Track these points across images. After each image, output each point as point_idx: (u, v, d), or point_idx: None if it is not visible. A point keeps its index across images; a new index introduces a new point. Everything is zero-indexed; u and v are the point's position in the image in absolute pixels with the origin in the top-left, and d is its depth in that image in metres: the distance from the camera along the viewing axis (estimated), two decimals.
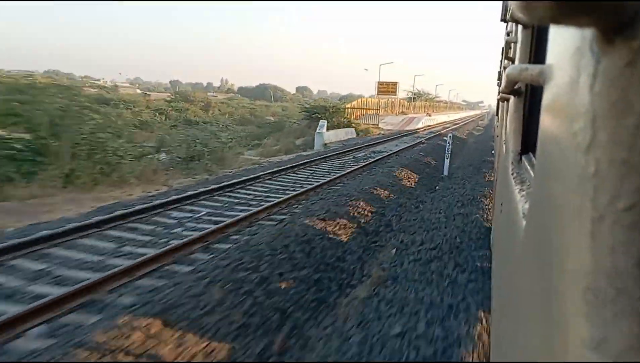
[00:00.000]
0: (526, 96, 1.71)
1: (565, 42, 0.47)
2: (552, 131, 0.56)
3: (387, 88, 43.33)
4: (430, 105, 68.01)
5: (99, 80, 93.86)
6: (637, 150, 0.29)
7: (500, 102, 4.42)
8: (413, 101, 61.90)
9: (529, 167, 1.31)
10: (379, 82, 43.13)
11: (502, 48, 5.15)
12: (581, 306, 0.34)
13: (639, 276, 0.29)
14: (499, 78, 6.95)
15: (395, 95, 44.32)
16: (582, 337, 0.33)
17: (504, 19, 4.18)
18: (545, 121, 0.64)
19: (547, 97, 0.63)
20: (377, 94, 43.34)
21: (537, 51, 1.67)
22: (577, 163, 0.37)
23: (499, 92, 4.20)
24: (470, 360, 3.17)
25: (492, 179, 9.93)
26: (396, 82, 42.80)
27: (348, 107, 35.99)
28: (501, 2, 4.60)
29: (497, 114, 8.43)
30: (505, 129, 2.67)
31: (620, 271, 0.29)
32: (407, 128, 34.79)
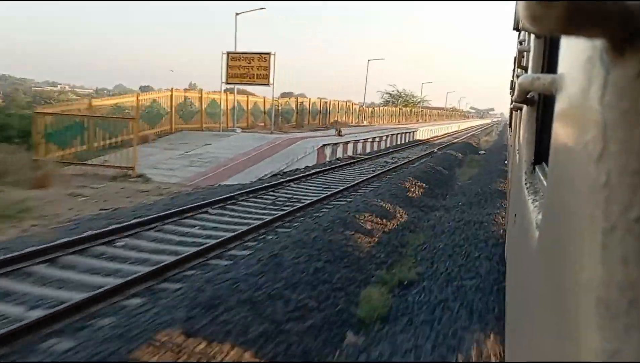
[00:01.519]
0: (539, 105, 1.70)
1: (576, 51, 0.47)
2: (564, 140, 0.56)
3: (246, 69, 21.45)
4: (410, 112, 49.29)
5: (55, 86, 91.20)
6: None
7: (513, 112, 4.40)
8: (384, 106, 44.77)
9: (542, 177, 1.30)
10: (229, 54, 21.50)
11: (515, 56, 5.14)
12: (593, 318, 0.33)
13: None
14: (512, 87, 6.93)
15: (268, 83, 21.58)
16: (594, 349, 0.33)
17: (516, 28, 4.16)
18: (558, 130, 0.63)
19: (559, 107, 0.63)
20: (226, 82, 21.82)
21: (550, 60, 1.66)
22: (589, 173, 0.37)
23: (511, 101, 4.19)
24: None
25: None
26: (268, 55, 21.30)
27: (44, 113, 13.82)
28: (513, 12, 4.59)
29: (509, 124, 8.39)
30: (519, 139, 2.65)
31: (632, 282, 0.29)
32: (227, 181, 12.14)
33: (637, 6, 0.29)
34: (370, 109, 40.07)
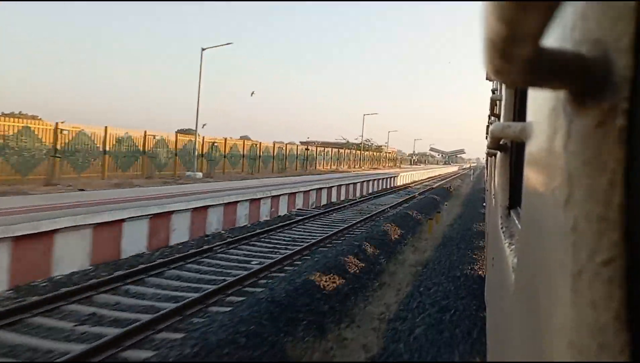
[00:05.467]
0: (512, 151, 1.75)
1: (541, 102, 0.49)
2: (534, 186, 0.57)
3: None
4: None
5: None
6: (612, 206, 0.30)
7: (489, 157, 4.51)
8: None
9: (517, 221, 1.33)
10: None
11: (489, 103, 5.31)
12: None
13: (619, 330, 0.29)
14: (487, 132, 7.11)
15: None
16: None
17: (488, 77, 4.33)
18: (528, 177, 0.65)
19: (528, 154, 0.65)
20: None
21: (520, 108, 1.72)
22: (557, 218, 0.38)
23: (487, 147, 4.29)
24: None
25: None
26: None
27: None
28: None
29: (486, 168, 8.57)
30: (494, 184, 2.71)
31: (602, 325, 0.30)
32: None
33: (593, 60, 0.31)
34: None
